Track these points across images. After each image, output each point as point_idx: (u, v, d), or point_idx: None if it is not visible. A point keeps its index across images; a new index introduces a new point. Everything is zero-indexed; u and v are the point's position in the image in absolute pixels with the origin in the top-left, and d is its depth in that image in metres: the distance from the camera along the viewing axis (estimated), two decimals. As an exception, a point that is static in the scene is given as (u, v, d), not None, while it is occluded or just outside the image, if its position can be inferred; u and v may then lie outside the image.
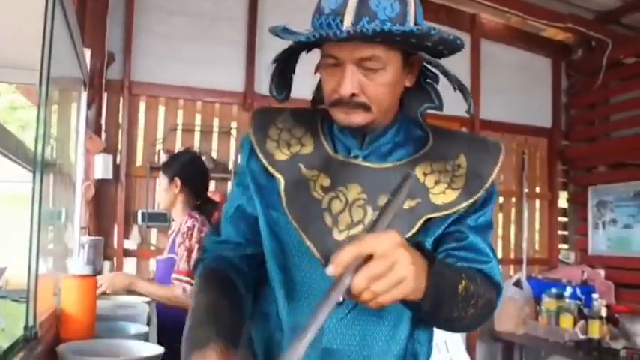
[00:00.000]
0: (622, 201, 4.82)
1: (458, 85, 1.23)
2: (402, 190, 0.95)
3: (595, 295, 4.15)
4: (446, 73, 1.22)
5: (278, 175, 1.25)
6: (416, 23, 1.16)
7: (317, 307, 0.84)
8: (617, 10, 4.83)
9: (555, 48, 5.49)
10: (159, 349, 1.56)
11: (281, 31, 1.19)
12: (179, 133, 4.33)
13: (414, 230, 1.19)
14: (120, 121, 4.18)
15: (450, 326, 1.21)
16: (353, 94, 1.16)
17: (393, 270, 0.88)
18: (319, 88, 1.31)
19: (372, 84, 1.16)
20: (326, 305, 0.83)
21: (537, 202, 5.44)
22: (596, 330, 3.95)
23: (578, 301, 4.26)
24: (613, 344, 3.82)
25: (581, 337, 4.00)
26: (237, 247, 1.32)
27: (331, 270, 0.86)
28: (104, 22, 3.88)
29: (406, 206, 1.19)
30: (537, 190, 5.44)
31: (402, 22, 1.13)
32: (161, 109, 4.31)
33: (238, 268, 1.28)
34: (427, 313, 1.04)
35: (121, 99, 4.17)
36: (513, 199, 5.30)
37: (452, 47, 1.19)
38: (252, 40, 4.42)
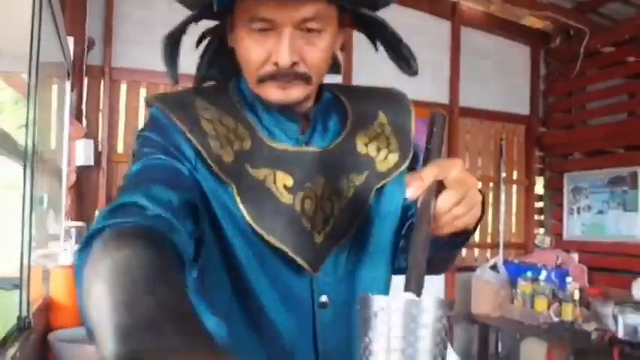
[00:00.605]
0: (596, 187, 4.93)
1: (399, 40, 1.07)
2: (438, 126, 0.90)
3: (569, 279, 4.26)
4: (386, 30, 1.07)
5: (231, 183, 1.00)
6: None
7: (413, 241, 0.78)
8: (595, 0, 4.90)
9: (534, 36, 5.56)
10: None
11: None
12: (161, 118, 4.35)
13: (368, 206, 1.08)
14: (101, 106, 4.17)
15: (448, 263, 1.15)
16: (293, 64, 0.97)
17: (468, 196, 0.86)
18: (211, 64, 1.14)
19: (313, 49, 0.98)
20: (423, 234, 0.79)
21: (514, 188, 5.54)
22: (569, 313, 4.07)
23: (552, 285, 4.37)
24: (585, 326, 3.93)
25: (555, 319, 4.12)
26: (168, 209, 0.88)
27: (412, 193, 0.80)
28: (84, 8, 3.87)
29: (359, 180, 1.07)
30: (515, 175, 5.54)
31: None
32: (142, 95, 4.31)
33: (174, 227, 0.86)
34: (465, 242, 1.00)
35: (102, 85, 4.16)
36: (491, 184, 5.39)
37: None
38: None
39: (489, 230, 5.40)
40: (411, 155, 1.13)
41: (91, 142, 3.94)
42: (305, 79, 0.99)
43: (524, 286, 4.46)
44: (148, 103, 1.08)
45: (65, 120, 2.68)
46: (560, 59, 5.49)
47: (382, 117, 1.15)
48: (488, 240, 5.37)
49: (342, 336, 1.05)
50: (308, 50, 0.98)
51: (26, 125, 1.46)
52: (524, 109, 5.57)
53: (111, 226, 0.79)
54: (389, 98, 1.19)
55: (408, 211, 1.14)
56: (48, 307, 1.71)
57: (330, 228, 1.03)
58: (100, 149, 4.11)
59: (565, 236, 5.23)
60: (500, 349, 4.90)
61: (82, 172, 3.97)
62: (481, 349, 4.87)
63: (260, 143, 1.03)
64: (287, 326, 1.03)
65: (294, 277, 1.02)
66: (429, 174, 0.81)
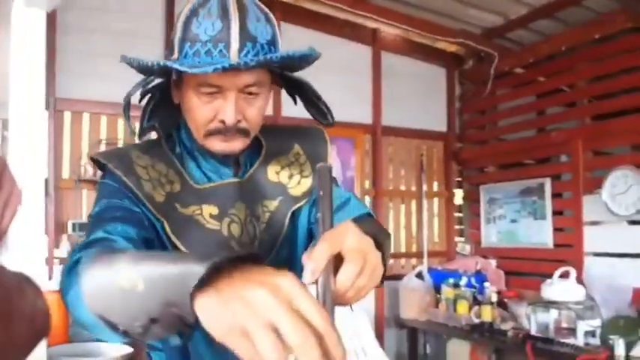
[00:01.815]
0: (509, 198, 5.37)
1: (318, 97, 1.29)
2: (324, 180, 0.86)
3: (486, 284, 4.67)
4: (303, 85, 1.28)
5: (162, 219, 1.16)
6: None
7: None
8: (501, 27, 5.36)
9: (449, 58, 5.96)
10: (128, 349, 1.84)
11: (155, 63, 1.14)
12: (103, 146, 4.50)
13: (285, 227, 1.24)
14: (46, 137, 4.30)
15: None
16: (237, 121, 1.15)
17: (367, 261, 0.82)
18: (152, 115, 1.26)
19: (252, 109, 1.16)
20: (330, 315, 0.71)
21: (435, 200, 5.95)
22: (488, 314, 4.46)
23: (473, 289, 4.76)
24: (502, 326, 4.32)
25: (476, 320, 4.50)
26: (129, 240, 1.08)
27: (309, 277, 0.74)
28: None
29: (270, 209, 1.23)
30: (435, 188, 5.95)
31: (275, 44, 1.16)
32: (85, 124, 4.46)
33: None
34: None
35: (46, 115, 4.29)
36: (413, 199, 5.78)
37: (309, 62, 1.21)
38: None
39: (414, 240, 5.79)
40: None
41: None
42: (245, 133, 1.19)
43: (447, 291, 4.84)
44: (93, 159, 1.25)
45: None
46: (473, 80, 5.93)
47: (297, 147, 1.34)
48: (414, 249, 5.76)
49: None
50: (248, 110, 1.16)
51: None
52: (442, 126, 5.98)
53: (88, 255, 0.94)
54: (306, 133, 1.39)
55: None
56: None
57: (256, 248, 1.19)
58: (46, 177, 4.24)
59: (483, 243, 5.65)
60: (428, 350, 5.28)
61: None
62: (411, 351, 5.23)
63: (188, 186, 1.22)
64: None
65: None
66: (321, 254, 0.76)
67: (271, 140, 1.33)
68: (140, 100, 1.27)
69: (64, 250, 4.27)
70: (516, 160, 5.47)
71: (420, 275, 5.19)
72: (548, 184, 4.97)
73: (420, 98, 5.83)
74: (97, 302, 0.84)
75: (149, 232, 1.14)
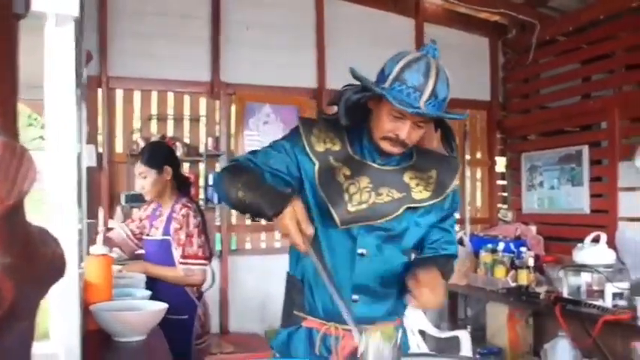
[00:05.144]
0: (549, 165, 5.44)
1: (453, 138, 1.82)
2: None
3: (523, 249, 4.80)
4: (448, 129, 1.81)
5: (315, 160, 1.78)
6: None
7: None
8: (542, -5, 5.40)
9: (491, 28, 6.03)
10: (164, 305, 2.12)
11: (366, 80, 1.70)
12: (154, 122, 4.83)
13: (398, 213, 1.78)
14: (100, 113, 4.65)
15: None
16: (405, 138, 1.70)
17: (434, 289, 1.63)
18: (347, 107, 1.75)
19: (415, 134, 1.71)
20: None
21: (479, 168, 6.08)
22: (524, 278, 4.60)
23: (511, 254, 4.89)
24: (538, 289, 4.45)
25: (512, 284, 4.64)
26: (273, 170, 1.78)
27: (413, 303, 1.66)
28: (80, 24, 4.32)
29: (397, 196, 1.78)
30: (478, 156, 6.07)
31: (446, 99, 1.67)
32: (137, 101, 4.79)
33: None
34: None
35: (100, 93, 4.64)
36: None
37: (456, 120, 1.89)
38: (217, 35, 4.91)
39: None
40: (440, 198, 1.83)
41: (93, 146, 4.41)
42: (406, 146, 1.74)
43: (485, 256, 4.99)
44: (300, 118, 1.94)
45: (83, 129, 3.16)
46: (515, 49, 5.97)
47: (433, 172, 1.85)
48: (457, 216, 5.89)
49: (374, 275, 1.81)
50: (414, 134, 1.71)
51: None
52: (485, 95, 6.08)
53: (246, 161, 1.79)
54: (447, 161, 1.89)
55: (427, 237, 1.88)
56: (84, 287, 2.22)
57: (363, 208, 1.75)
58: (100, 151, 4.60)
59: (524, 210, 5.76)
60: (468, 313, 5.45)
61: (87, 173, 4.45)
62: (452, 315, 5.42)
63: (345, 150, 1.81)
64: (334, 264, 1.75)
65: (337, 228, 1.76)
66: (423, 296, 1.61)
67: (421, 158, 1.86)
68: (352, 99, 1.76)
69: (117, 222, 4.60)
70: (557, 128, 5.53)
71: (460, 241, 5.34)
72: (586, 151, 5.03)
73: (463, 68, 5.87)
74: (225, 195, 1.71)
75: (279, 171, 1.77)
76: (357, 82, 1.74)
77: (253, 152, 1.83)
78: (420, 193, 1.81)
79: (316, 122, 1.87)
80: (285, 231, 1.53)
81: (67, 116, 1.47)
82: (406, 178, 1.81)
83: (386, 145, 1.73)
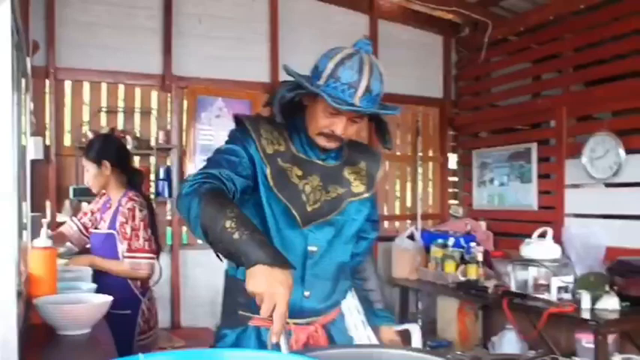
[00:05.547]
0: (499, 162, 5.55)
1: (388, 131, 1.87)
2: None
3: (473, 244, 4.88)
4: (382, 121, 1.85)
5: (266, 163, 1.76)
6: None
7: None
8: (494, -4, 5.49)
9: (445, 26, 6.08)
10: (109, 298, 2.09)
11: (299, 77, 1.71)
12: (104, 114, 4.74)
13: (342, 207, 1.86)
14: (47, 105, 4.54)
15: None
16: (341, 134, 1.75)
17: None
18: (283, 105, 1.76)
19: (351, 129, 1.76)
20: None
21: (430, 164, 6.16)
22: (473, 272, 4.69)
23: (460, 249, 4.98)
24: (486, 283, 4.53)
25: (462, 279, 4.73)
26: (229, 180, 1.68)
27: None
28: (27, 14, 4.21)
29: (341, 191, 1.86)
30: (430, 153, 6.15)
31: (380, 94, 1.71)
32: (86, 93, 4.70)
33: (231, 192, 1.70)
34: None
35: (47, 84, 4.53)
36: (409, 163, 5.98)
37: (391, 114, 1.81)
38: (169, 26, 4.85)
39: (408, 204, 6.01)
40: (371, 192, 1.96)
41: (40, 138, 4.30)
42: (341, 141, 1.79)
43: (435, 251, 5.07)
44: (235, 117, 1.88)
45: (27, 120, 3.08)
46: (468, 48, 6.05)
47: (363, 164, 1.97)
48: (408, 212, 5.98)
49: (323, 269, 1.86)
50: (349, 129, 1.76)
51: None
52: (438, 93, 6.15)
53: (204, 182, 1.59)
54: (371, 153, 2.03)
55: (364, 225, 2.00)
56: (27, 280, 2.16)
57: (317, 207, 1.80)
58: (48, 144, 4.49)
59: (474, 206, 5.86)
60: (419, 307, 5.52)
61: (33, 165, 4.34)
62: (402, 308, 5.48)
63: (290, 151, 1.82)
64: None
65: (294, 229, 1.78)
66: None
67: (351, 151, 1.95)
68: (286, 97, 1.77)
69: (65, 215, 4.51)
70: (507, 126, 5.64)
71: (411, 236, 5.41)
72: (534, 149, 5.14)
73: (417, 65, 5.98)
74: (206, 223, 1.48)
75: (248, 178, 1.74)
76: (292, 79, 1.76)
77: (213, 164, 1.71)
78: (357, 187, 1.92)
79: (259, 122, 1.84)
80: (271, 297, 1.33)
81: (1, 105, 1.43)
82: (346, 173, 1.91)
83: (321, 141, 1.78)
